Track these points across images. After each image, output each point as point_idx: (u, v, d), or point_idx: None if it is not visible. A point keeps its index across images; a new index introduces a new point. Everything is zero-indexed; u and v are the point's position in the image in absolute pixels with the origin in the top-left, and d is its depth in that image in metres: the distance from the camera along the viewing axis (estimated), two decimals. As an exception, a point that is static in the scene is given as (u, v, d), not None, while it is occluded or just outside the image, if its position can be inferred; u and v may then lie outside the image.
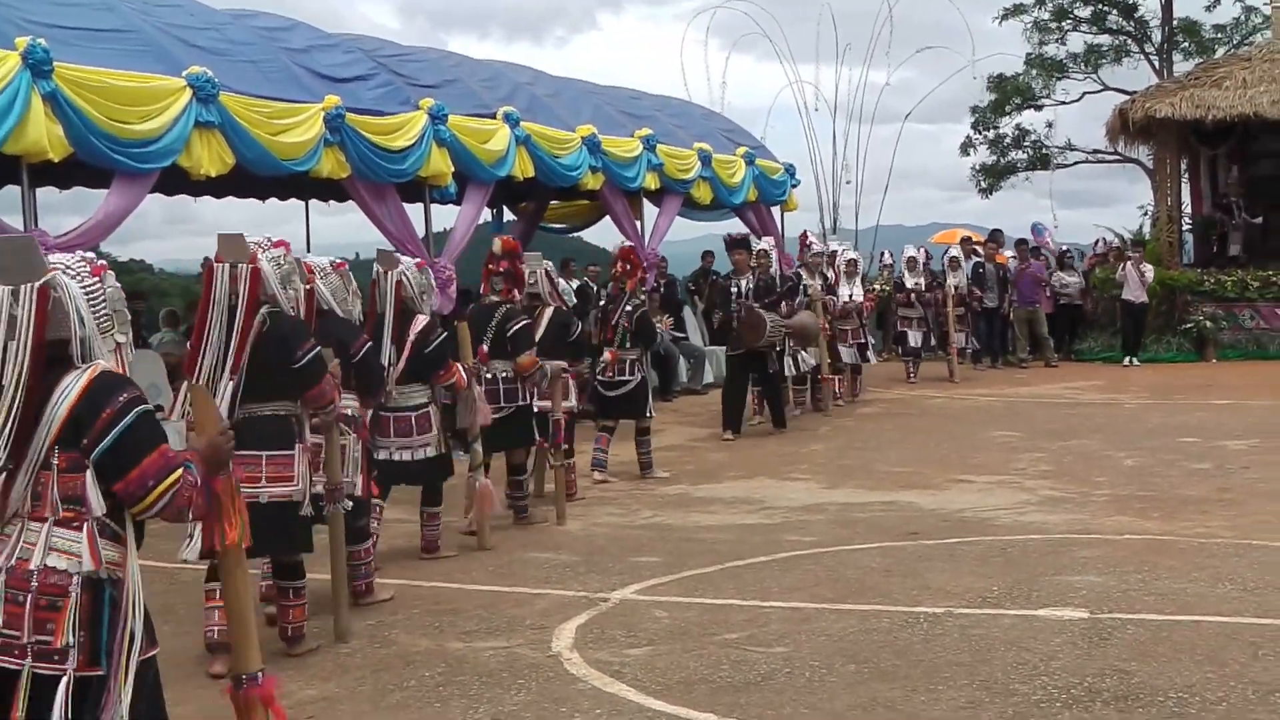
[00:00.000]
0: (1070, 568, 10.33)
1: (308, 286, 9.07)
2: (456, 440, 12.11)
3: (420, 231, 17.73)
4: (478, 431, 11.86)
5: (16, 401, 4.76)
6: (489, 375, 12.58)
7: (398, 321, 10.79)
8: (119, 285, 5.27)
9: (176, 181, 16.49)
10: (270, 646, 8.02)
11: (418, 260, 11.73)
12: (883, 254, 30.80)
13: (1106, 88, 46.88)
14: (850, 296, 22.02)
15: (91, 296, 5.01)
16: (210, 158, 14.21)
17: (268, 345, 8.16)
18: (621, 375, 15.47)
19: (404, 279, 10.90)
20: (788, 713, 7.24)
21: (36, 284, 4.79)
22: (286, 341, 8.27)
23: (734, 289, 18.43)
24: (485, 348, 12.57)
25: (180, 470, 4.83)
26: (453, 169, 17.42)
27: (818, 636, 8.67)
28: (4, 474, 4.80)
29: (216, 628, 8.25)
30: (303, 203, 23.80)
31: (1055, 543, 11.29)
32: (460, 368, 11.23)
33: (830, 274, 21.75)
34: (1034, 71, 47.26)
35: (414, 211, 17.82)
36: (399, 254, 11.69)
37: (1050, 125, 48.18)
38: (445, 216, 20.23)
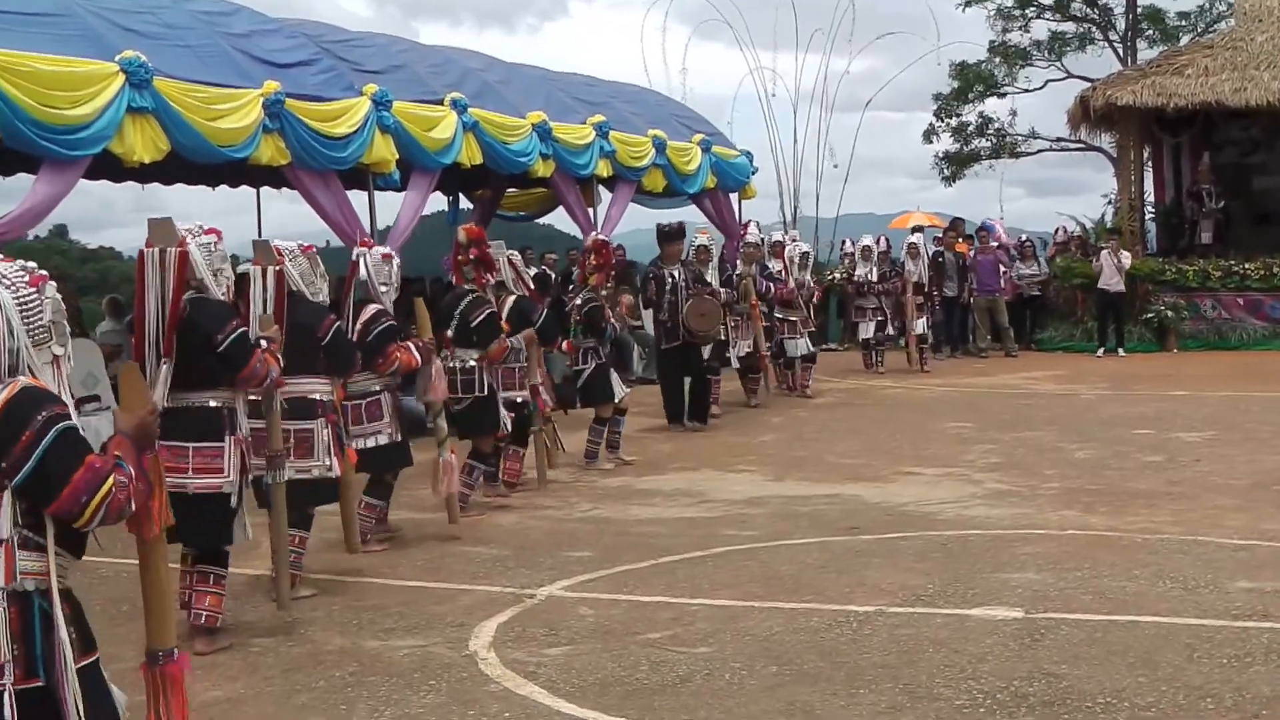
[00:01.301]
0: (1009, 564, 10.11)
1: (277, 269, 9.25)
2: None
3: (365, 219, 17.47)
4: (439, 407, 11.85)
5: None
6: (451, 364, 12.58)
7: (354, 307, 11.10)
8: (59, 296, 5.05)
9: (117, 169, 16.20)
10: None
11: (384, 251, 11.75)
12: (843, 242, 30.52)
13: (1070, 75, 46.73)
14: (801, 286, 21.50)
15: (26, 307, 4.83)
16: (144, 144, 13.93)
17: (189, 331, 8.10)
18: (577, 365, 15.48)
19: (362, 262, 11.24)
20: (701, 717, 7.00)
21: None
22: (201, 327, 8.22)
23: (669, 278, 17.91)
24: (450, 334, 12.69)
25: (111, 477, 4.72)
26: (397, 156, 17.15)
27: (743, 636, 8.43)
28: None
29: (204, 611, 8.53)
30: (254, 190, 23.49)
31: (996, 538, 11.07)
32: (410, 346, 11.25)
33: (777, 265, 21.36)
34: (997, 59, 47.09)
35: (360, 200, 17.60)
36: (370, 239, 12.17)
37: (1014, 113, 48.09)
38: (395, 205, 19.97)
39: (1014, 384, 23.22)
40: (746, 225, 22.82)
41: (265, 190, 23.26)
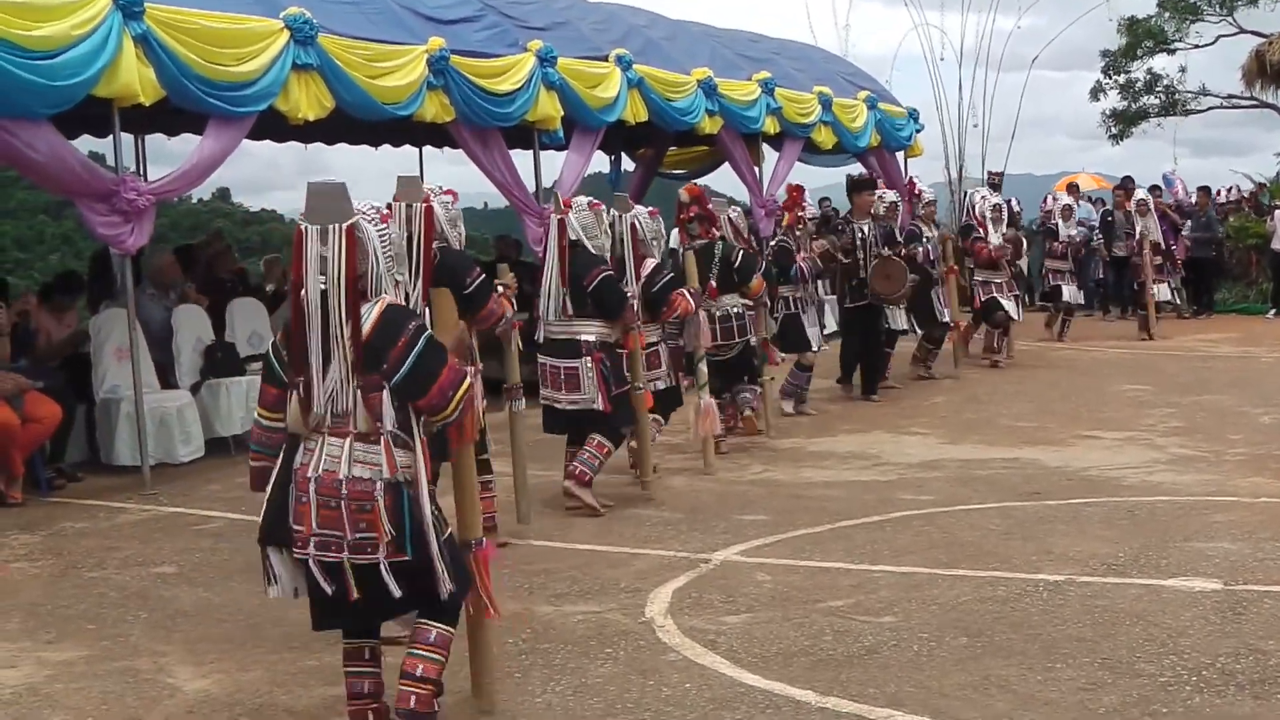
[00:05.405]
0: (1202, 533, 9.69)
1: (560, 218, 10.74)
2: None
3: (529, 178, 17.31)
4: (703, 352, 12.74)
5: (335, 330, 5.64)
6: (720, 313, 13.58)
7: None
8: (397, 231, 6.24)
9: (280, 128, 16.17)
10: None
11: (650, 209, 12.30)
12: (1009, 201, 29.89)
13: (1242, 30, 45.37)
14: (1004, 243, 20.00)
15: (384, 239, 5.84)
16: (309, 101, 13.94)
17: (438, 276, 8.66)
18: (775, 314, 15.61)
19: (637, 223, 11.60)
20: (892, 690, 6.69)
21: (344, 225, 5.66)
22: (455, 271, 9.06)
23: (859, 233, 16.82)
24: (714, 284, 13.51)
25: (469, 378, 5.80)
26: (561, 113, 16.96)
27: (928, 605, 8.12)
28: (298, 391, 5.78)
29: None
30: (416, 149, 23.39)
31: (1186, 505, 10.65)
32: (685, 295, 11.85)
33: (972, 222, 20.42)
34: (1167, 14, 45.89)
35: (523, 160, 17.48)
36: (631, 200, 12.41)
37: (1183, 70, 46.89)
38: (557, 164, 19.77)
39: (1189, 346, 22.61)
40: (913, 184, 22.10)
41: (428, 151, 23.18)
